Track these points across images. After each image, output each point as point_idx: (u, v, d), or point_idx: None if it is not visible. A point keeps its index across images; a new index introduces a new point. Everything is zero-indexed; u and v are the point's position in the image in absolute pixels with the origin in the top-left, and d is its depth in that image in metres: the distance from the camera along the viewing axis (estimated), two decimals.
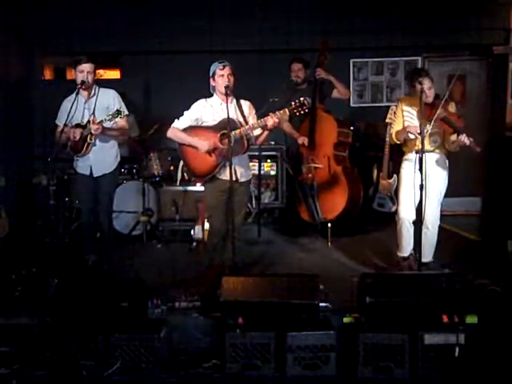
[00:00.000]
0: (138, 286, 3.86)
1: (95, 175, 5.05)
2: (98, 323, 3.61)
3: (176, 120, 4.64)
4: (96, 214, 5.11)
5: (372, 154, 6.59)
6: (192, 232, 5.83)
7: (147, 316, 3.87)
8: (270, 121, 4.36)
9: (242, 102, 4.70)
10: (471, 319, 3.55)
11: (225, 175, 4.53)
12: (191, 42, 6.94)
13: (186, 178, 6.30)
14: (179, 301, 4.13)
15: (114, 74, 8.27)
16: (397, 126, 4.82)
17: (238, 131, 4.42)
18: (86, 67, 4.85)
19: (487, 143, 7.10)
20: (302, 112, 4.31)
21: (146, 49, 7.04)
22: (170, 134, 4.66)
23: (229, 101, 4.42)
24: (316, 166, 5.83)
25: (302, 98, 4.30)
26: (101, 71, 8.89)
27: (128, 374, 3.50)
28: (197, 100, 4.66)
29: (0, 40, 6.64)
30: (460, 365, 3.46)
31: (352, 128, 6.14)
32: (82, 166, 5.08)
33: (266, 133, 4.57)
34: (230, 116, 4.39)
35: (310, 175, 5.84)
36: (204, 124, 4.61)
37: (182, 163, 4.63)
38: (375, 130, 6.87)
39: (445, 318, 3.50)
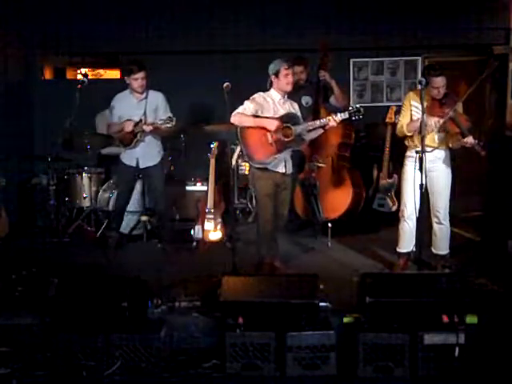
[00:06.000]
0: (138, 286, 3.86)
1: (141, 167, 5.57)
2: (98, 323, 3.62)
3: (239, 107, 4.64)
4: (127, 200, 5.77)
5: (372, 154, 6.59)
6: (192, 232, 5.83)
7: (147, 316, 3.87)
8: (332, 121, 4.58)
9: (291, 101, 4.84)
10: (471, 319, 3.55)
11: (277, 167, 4.69)
12: (191, 42, 6.93)
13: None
14: (179, 301, 4.13)
15: (114, 74, 8.27)
16: (404, 120, 4.81)
17: (301, 126, 4.62)
18: (141, 75, 5.35)
19: (487, 143, 7.09)
20: (359, 117, 4.58)
21: (145, 49, 7.04)
22: (234, 119, 4.61)
23: (285, 98, 4.73)
24: (319, 165, 5.84)
25: (357, 105, 4.58)
26: (101, 71, 8.93)
27: (128, 374, 3.51)
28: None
29: (0, 40, 6.64)
30: (460, 365, 3.46)
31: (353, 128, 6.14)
32: (129, 158, 5.58)
33: (319, 133, 4.80)
34: (288, 112, 4.67)
35: (313, 174, 5.84)
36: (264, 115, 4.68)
37: (238, 150, 4.69)
38: (375, 130, 6.86)
39: (445, 318, 3.51)
